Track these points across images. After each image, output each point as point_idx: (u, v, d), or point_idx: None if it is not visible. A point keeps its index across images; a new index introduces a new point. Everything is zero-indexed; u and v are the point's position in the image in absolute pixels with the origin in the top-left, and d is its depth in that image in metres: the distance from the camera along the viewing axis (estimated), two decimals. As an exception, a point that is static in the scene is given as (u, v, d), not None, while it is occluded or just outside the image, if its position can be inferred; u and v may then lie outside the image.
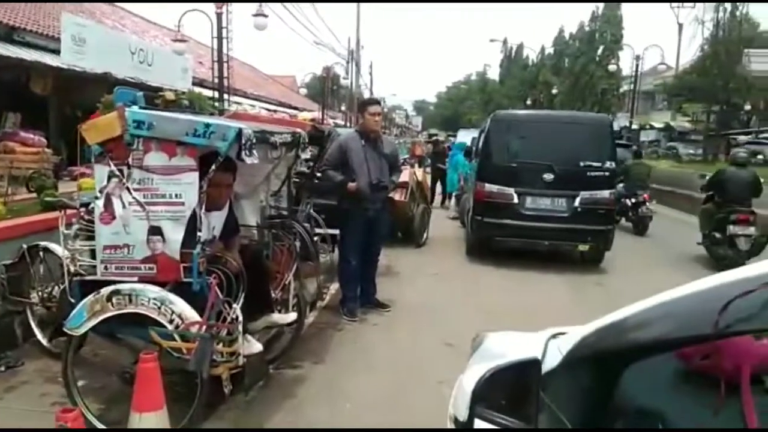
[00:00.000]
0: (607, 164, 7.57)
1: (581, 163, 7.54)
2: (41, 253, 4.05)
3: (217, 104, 13.90)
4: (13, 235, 4.32)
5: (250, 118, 5.36)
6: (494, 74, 68.00)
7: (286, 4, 20.85)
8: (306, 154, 4.02)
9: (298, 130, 3.92)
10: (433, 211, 10.59)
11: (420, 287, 6.60)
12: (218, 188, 3.18)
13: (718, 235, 7.85)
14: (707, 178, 8.68)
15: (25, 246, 4.06)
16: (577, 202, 7.48)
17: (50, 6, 14.52)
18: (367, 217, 5.29)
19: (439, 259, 8.12)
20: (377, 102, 5.82)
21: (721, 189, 8.10)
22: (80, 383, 3.55)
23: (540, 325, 5.20)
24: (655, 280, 7.09)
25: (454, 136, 21.48)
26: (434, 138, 17.80)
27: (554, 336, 1.64)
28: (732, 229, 7.64)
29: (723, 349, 1.16)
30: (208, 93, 14.98)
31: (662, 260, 8.38)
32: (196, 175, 2.91)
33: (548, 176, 7.49)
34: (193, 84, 15.89)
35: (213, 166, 2.91)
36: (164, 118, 2.92)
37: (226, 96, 15.56)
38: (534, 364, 1.39)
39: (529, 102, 47.46)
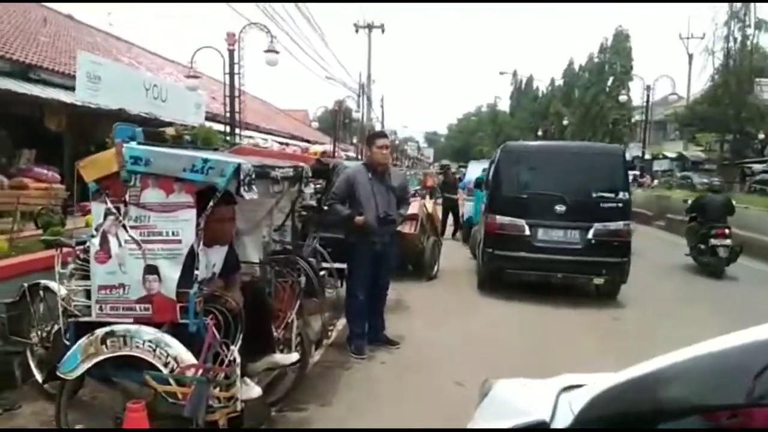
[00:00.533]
0: (621, 195, 7.43)
1: (594, 194, 7.41)
2: (41, 292, 3.97)
3: (228, 138, 14.01)
4: (14, 273, 4.27)
5: (252, 152, 5.34)
6: (504, 106, 68.50)
7: (296, 40, 21.14)
8: (310, 189, 3.93)
9: (301, 164, 3.85)
10: (444, 243, 10.45)
11: (430, 322, 6.42)
12: (219, 223, 3.10)
13: (702, 246, 9.68)
14: (689, 202, 10.96)
15: (25, 285, 3.98)
16: (590, 234, 7.32)
17: (66, 44, 14.87)
18: (375, 251, 5.18)
19: (450, 293, 7.96)
20: (384, 135, 5.78)
21: (702, 210, 10.09)
22: (77, 426, 3.43)
23: (554, 363, 5.02)
24: (674, 314, 6.88)
25: (465, 167, 21.46)
26: (444, 167, 17.75)
27: (566, 389, 1.50)
28: (713, 241, 9.43)
29: (753, 411, 1.02)
30: (220, 127, 15.14)
31: (679, 292, 8.15)
32: (193, 211, 2.83)
33: (560, 207, 7.35)
34: (206, 119, 16.06)
35: (211, 202, 2.83)
36: (162, 154, 2.86)
37: (237, 130, 15.68)
38: (542, 427, 1.25)
39: (540, 133, 47.55)
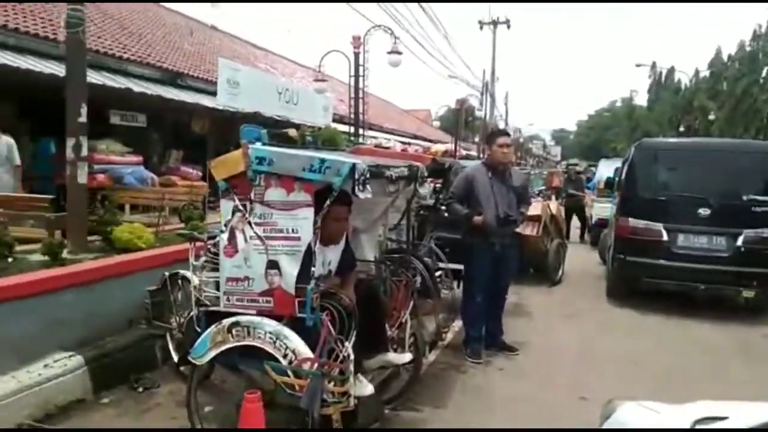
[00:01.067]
0: (778, 198, 6.59)
1: (745, 197, 6.63)
2: (180, 281, 4.32)
3: (353, 138, 14.44)
4: (158, 263, 4.68)
5: (369, 152, 5.40)
6: (642, 100, 63.69)
7: (419, 40, 21.27)
8: (426, 188, 3.89)
9: (416, 163, 3.82)
10: (570, 246, 9.94)
11: (553, 330, 6.13)
12: (335, 222, 3.16)
13: None
14: None
15: (166, 274, 4.36)
16: (740, 241, 6.57)
17: (209, 53, 16.17)
18: (494, 252, 5.03)
19: (574, 300, 7.53)
20: (505, 133, 5.59)
21: None
22: (207, 409, 3.69)
23: (690, 387, 4.55)
24: None
25: (595, 165, 20.29)
26: (569, 166, 16.88)
27: (702, 420, 1.31)
28: None
29: None
30: (345, 128, 15.66)
31: None
32: (311, 210, 2.91)
33: (704, 211, 6.67)
34: (333, 120, 16.70)
35: (328, 201, 2.89)
36: (283, 155, 2.97)
37: (361, 130, 16.11)
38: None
39: (682, 129, 43.72)
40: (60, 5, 10.51)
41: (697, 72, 48.98)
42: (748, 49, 40.89)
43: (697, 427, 1.33)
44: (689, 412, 1.56)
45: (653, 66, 55.60)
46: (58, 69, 8.22)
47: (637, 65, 50.76)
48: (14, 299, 3.63)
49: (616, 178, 9.32)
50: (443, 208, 5.04)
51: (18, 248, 4.64)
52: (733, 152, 7.41)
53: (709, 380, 4.62)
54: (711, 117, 41.33)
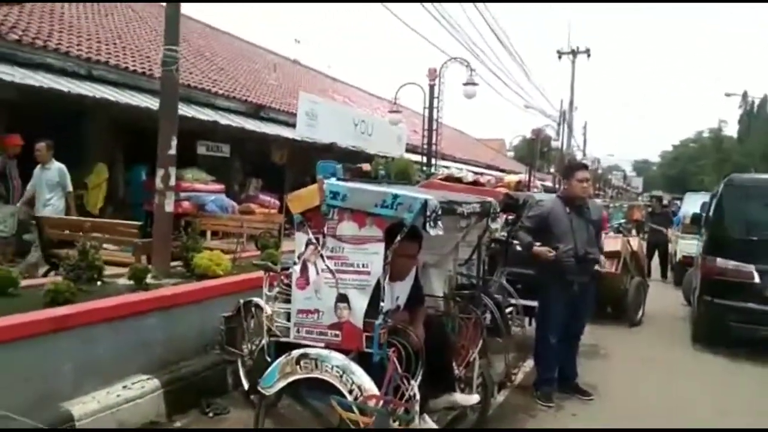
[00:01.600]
0: None
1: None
2: (253, 309, 4.43)
3: (425, 169, 14.49)
4: (233, 290, 4.84)
5: (441, 186, 5.38)
6: (731, 131, 60.27)
7: (495, 71, 21.18)
8: (497, 224, 3.83)
9: (489, 198, 3.78)
10: (651, 285, 9.43)
11: (631, 375, 5.79)
12: (403, 259, 3.16)
13: None
14: None
15: (241, 301, 4.49)
16: (837, 285, 6.01)
17: (291, 86, 16.85)
18: (572, 292, 4.81)
19: (656, 343, 7.10)
20: (585, 167, 5.40)
21: None
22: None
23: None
24: None
25: (680, 199, 19.27)
26: (652, 198, 16.09)
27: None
28: None
29: None
30: (418, 158, 15.76)
31: None
32: (382, 245, 2.93)
33: (799, 252, 6.17)
34: (406, 150, 16.88)
35: (398, 237, 2.90)
36: (357, 190, 3.02)
37: (434, 161, 16.15)
38: None
39: (777, 162, 40.85)
40: (155, 43, 11.34)
41: (794, 101, 45.90)
42: None
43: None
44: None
45: (744, 96, 52.58)
46: (151, 102, 8.83)
47: (727, 95, 48.15)
48: (101, 322, 3.84)
49: (703, 214, 8.81)
50: (512, 238, 4.90)
51: (107, 272, 4.93)
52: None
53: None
54: (810, 149, 38.40)
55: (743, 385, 5.62)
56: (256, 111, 13.07)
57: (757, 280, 6.37)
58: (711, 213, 7.69)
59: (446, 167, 18.13)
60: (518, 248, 5.01)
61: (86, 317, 3.76)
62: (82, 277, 4.52)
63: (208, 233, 9.06)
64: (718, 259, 6.67)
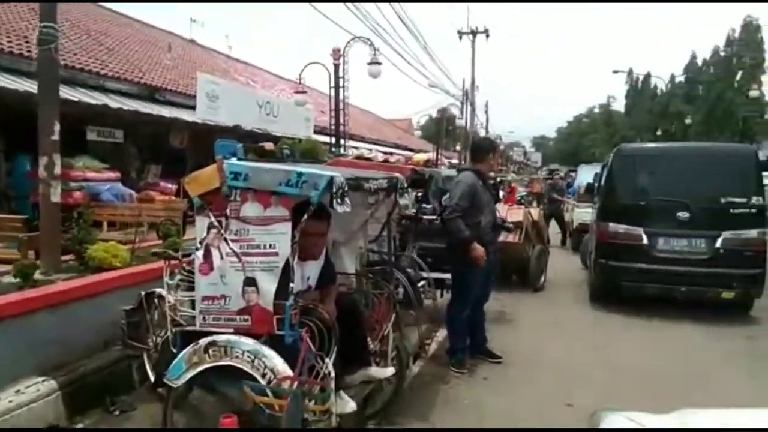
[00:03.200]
0: (754, 200, 6.67)
1: (723, 200, 6.71)
2: (156, 300, 4.20)
3: (334, 150, 14.40)
4: (133, 282, 4.56)
5: (348, 164, 5.35)
6: (619, 106, 64.78)
7: (399, 50, 21.35)
8: (406, 199, 3.85)
9: (396, 174, 3.79)
10: (551, 252, 9.97)
11: (536, 337, 6.11)
12: (311, 238, 3.10)
13: None
14: None
15: (142, 293, 4.24)
16: (719, 243, 6.65)
17: (188, 66, 16.06)
18: (489, 259, 4.95)
19: (557, 306, 7.54)
20: (497, 147, 5.61)
21: None
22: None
23: (674, 392, 4.54)
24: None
25: (575, 171, 20.50)
26: (552, 172, 17.00)
27: (686, 433, 1.28)
28: None
29: None
30: (326, 139, 15.61)
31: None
32: (289, 225, 2.85)
33: (683, 214, 6.75)
34: (315, 132, 16.66)
35: (305, 216, 2.84)
36: (259, 169, 2.92)
37: (343, 141, 16.09)
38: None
39: (659, 134, 44.43)
40: (34, 23, 10.37)
41: (673, 77, 49.96)
42: (722, 54, 41.86)
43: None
44: (671, 422, 1.53)
45: (630, 72, 56.51)
46: (30, 85, 8.09)
47: (615, 72, 51.18)
48: (-19, 324, 3.51)
49: (596, 184, 9.39)
50: (445, 219, 4.82)
51: (-10, 270, 4.50)
52: (709, 155, 7.50)
53: (693, 386, 4.62)
54: (687, 121, 42.13)
55: (635, 339, 6.09)
56: (150, 93, 12.33)
57: (645, 241, 6.90)
58: (602, 182, 8.19)
59: (356, 148, 18.14)
60: (453, 237, 4.90)
61: (-34, 320, 3.41)
62: (-41, 279, 4.10)
63: (105, 224, 8.50)
64: (610, 224, 7.16)
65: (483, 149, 5.26)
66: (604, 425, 1.76)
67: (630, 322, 6.71)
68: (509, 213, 8.10)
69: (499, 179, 13.17)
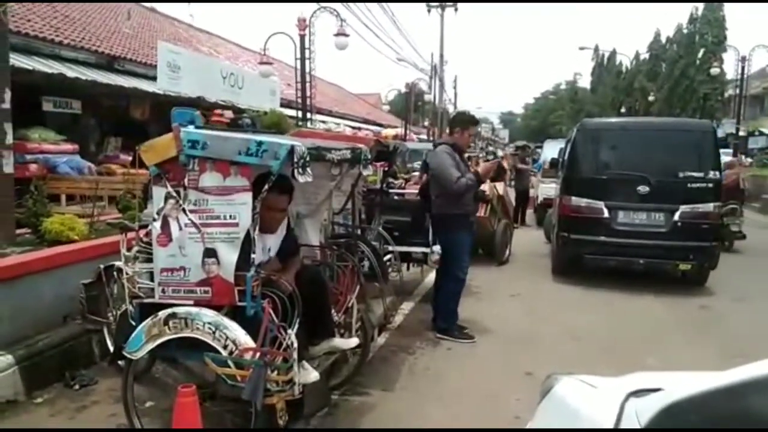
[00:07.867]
0: (711, 174, 6.86)
1: (681, 174, 6.88)
2: (115, 273, 4.11)
3: (300, 123, 14.19)
4: (92, 255, 4.46)
5: (311, 135, 5.28)
6: (585, 83, 65.50)
7: (367, 23, 21.05)
8: (368, 171, 3.82)
9: (359, 145, 3.75)
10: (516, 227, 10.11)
11: (500, 308, 6.22)
12: (271, 211, 3.06)
13: None
14: None
15: (101, 266, 4.15)
16: (676, 216, 6.83)
17: (148, 36, 15.53)
18: (471, 231, 5.30)
19: (521, 279, 7.68)
20: (477, 122, 5.61)
21: None
22: (148, 404, 3.57)
23: (631, 357, 4.67)
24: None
25: (541, 147, 20.73)
26: (520, 148, 17.10)
27: (635, 393, 1.32)
28: None
29: None
30: (293, 113, 15.35)
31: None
32: (249, 195, 2.80)
33: (643, 189, 6.89)
34: (281, 105, 16.36)
35: (266, 186, 2.79)
36: (218, 138, 2.84)
37: (309, 115, 15.85)
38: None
39: (623, 110, 45.17)
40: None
41: (637, 55, 50.65)
42: (685, 31, 42.49)
43: (631, 399, 1.33)
44: (624, 385, 1.57)
45: (596, 49, 57.08)
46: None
47: (581, 48, 51.44)
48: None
49: (560, 159, 9.51)
50: (462, 188, 4.83)
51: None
52: (670, 131, 7.66)
53: (649, 352, 4.78)
54: (650, 98, 42.86)
55: (596, 309, 6.26)
56: (109, 63, 11.88)
57: (606, 215, 7.05)
58: (566, 156, 8.30)
59: (323, 122, 17.92)
60: (469, 190, 4.99)
61: None
62: None
63: (63, 198, 8.25)
64: (573, 198, 7.28)
65: (463, 122, 5.26)
66: (557, 389, 1.81)
67: (590, 294, 6.88)
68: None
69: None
